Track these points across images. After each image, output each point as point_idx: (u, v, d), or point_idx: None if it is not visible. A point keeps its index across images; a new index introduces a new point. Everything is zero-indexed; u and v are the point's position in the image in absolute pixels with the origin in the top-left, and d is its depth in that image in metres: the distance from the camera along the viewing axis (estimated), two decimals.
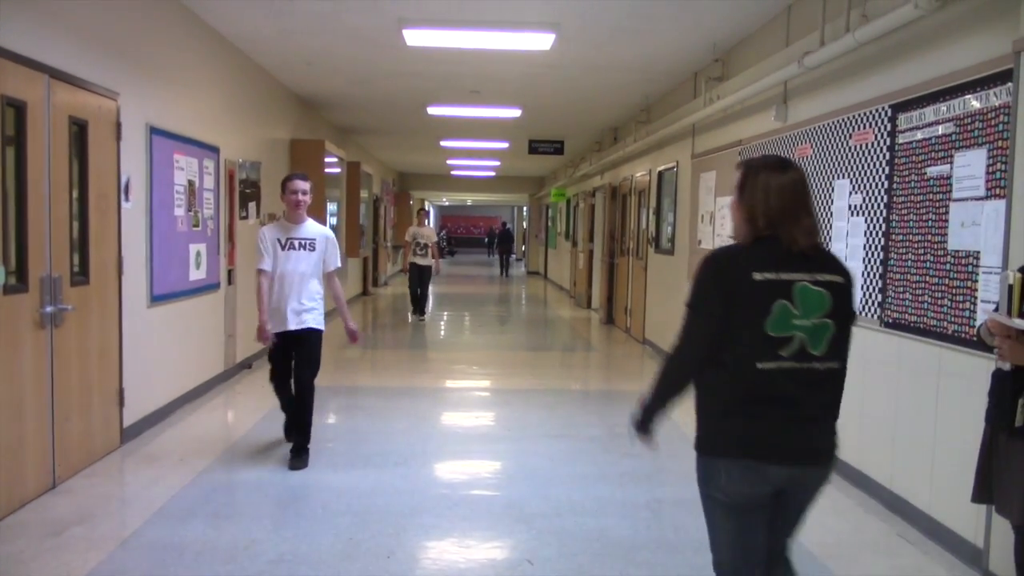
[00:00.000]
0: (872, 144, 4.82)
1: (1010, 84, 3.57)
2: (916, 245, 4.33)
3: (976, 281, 3.81)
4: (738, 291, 2.20)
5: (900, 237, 4.49)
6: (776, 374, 2.20)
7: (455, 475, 5.20)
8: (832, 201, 5.33)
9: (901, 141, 4.49)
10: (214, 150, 7.11)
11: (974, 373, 3.71)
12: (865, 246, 4.89)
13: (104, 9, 5.16)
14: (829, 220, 5.37)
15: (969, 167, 3.88)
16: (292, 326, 5.10)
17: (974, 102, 3.86)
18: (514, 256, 34.58)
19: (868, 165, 4.87)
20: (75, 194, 4.79)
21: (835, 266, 2.32)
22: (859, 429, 4.87)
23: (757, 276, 2.20)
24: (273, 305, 5.10)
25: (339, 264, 5.38)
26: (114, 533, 3.97)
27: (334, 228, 11.98)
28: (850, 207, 5.09)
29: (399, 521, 4.21)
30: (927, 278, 4.22)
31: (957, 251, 3.96)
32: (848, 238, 5.10)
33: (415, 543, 3.98)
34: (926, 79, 4.27)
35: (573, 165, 17.79)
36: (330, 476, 4.93)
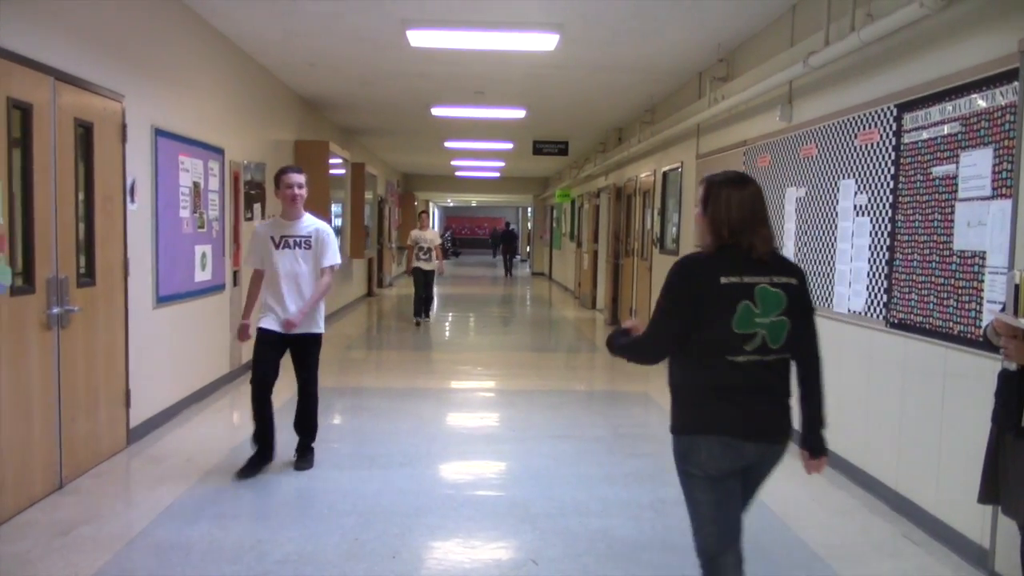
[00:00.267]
0: (877, 144, 4.81)
1: (1016, 83, 3.57)
2: (922, 245, 4.32)
3: (982, 281, 3.80)
4: (708, 293, 2.45)
5: (906, 237, 4.48)
6: (744, 365, 2.47)
7: (460, 476, 5.20)
8: (837, 201, 5.32)
9: (907, 141, 4.49)
10: (219, 151, 7.13)
11: (980, 374, 3.70)
12: (870, 246, 4.88)
13: (109, 11, 5.18)
14: (834, 220, 5.36)
15: (975, 167, 3.88)
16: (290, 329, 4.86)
17: (980, 101, 3.85)
18: (519, 257, 34.57)
19: (873, 165, 4.86)
20: (81, 196, 4.80)
21: (789, 269, 2.58)
22: (864, 430, 4.86)
23: (724, 280, 2.45)
24: (266, 304, 4.85)
25: (333, 262, 4.97)
26: (121, 533, 3.98)
27: (338, 230, 12.00)
28: (855, 207, 5.08)
29: (404, 521, 4.22)
30: (933, 278, 4.21)
31: (963, 251, 3.95)
32: (853, 238, 5.09)
33: (420, 543, 3.98)
34: (931, 79, 4.26)
35: (577, 166, 17.79)
36: (335, 476, 4.94)
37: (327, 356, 9.46)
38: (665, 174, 10.08)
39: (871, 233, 4.88)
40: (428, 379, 8.44)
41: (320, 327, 5.02)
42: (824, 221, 5.53)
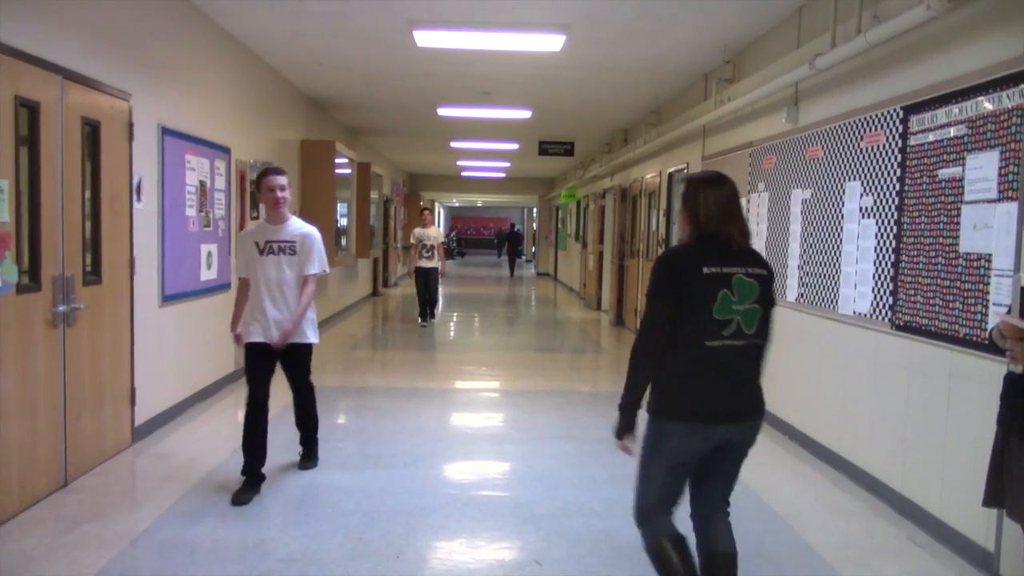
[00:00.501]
0: (883, 146, 4.80)
1: (1022, 86, 3.56)
2: (927, 248, 4.31)
3: (988, 284, 3.79)
4: (692, 282, 2.67)
5: (911, 239, 4.47)
6: (720, 349, 2.69)
7: (464, 476, 5.20)
8: (843, 203, 5.31)
9: (913, 143, 4.48)
10: (225, 151, 7.14)
11: (986, 376, 3.69)
12: (876, 248, 4.87)
13: (117, 10, 5.20)
14: (840, 222, 5.35)
15: (981, 169, 3.87)
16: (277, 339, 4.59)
17: (986, 104, 3.84)
18: (523, 257, 34.54)
19: (879, 167, 4.85)
20: (88, 194, 4.82)
21: (761, 262, 2.83)
22: (869, 432, 4.85)
23: (705, 270, 2.68)
24: (252, 314, 4.61)
25: (318, 270, 4.66)
26: (125, 531, 3.99)
27: (344, 229, 12.02)
28: (861, 209, 5.07)
29: (408, 521, 4.22)
30: (938, 281, 4.20)
31: (969, 254, 3.94)
32: (859, 240, 5.08)
33: (424, 543, 3.99)
34: (938, 81, 4.25)
35: (583, 166, 17.78)
36: (340, 476, 4.95)
37: (332, 355, 9.55)
38: (671, 175, 10.08)
39: (877, 235, 4.87)
40: (433, 379, 8.45)
41: (310, 337, 4.73)
42: (830, 223, 5.51)
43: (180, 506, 4.35)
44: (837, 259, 5.38)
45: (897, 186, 4.64)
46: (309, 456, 5.10)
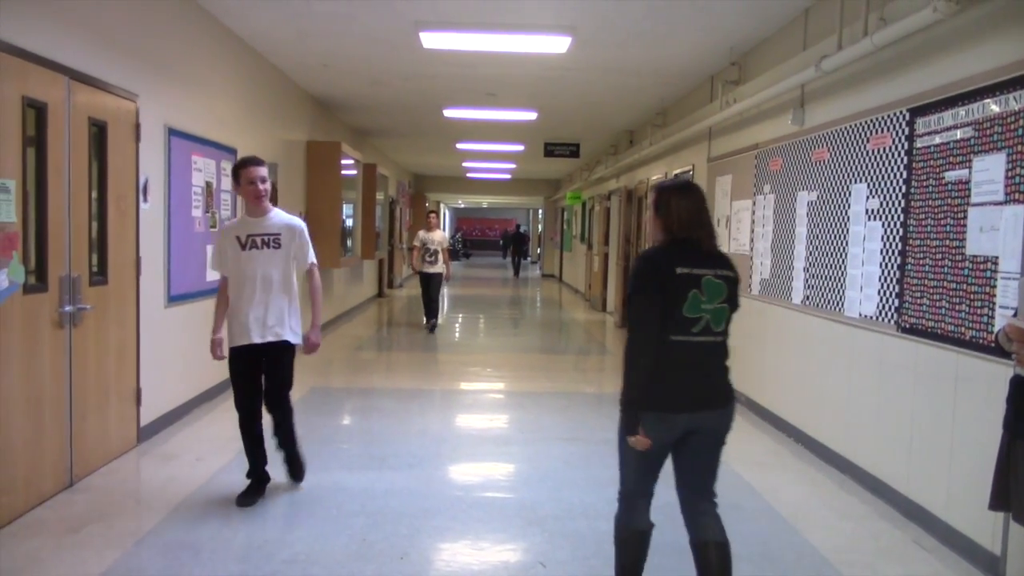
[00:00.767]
0: (890, 148, 4.79)
1: None
2: (934, 250, 4.29)
3: (994, 286, 3.77)
4: (667, 281, 2.85)
5: (918, 242, 4.46)
6: (688, 345, 2.87)
7: (468, 477, 5.20)
8: (849, 205, 5.30)
9: (919, 145, 4.47)
10: (231, 151, 7.16)
11: (992, 379, 3.68)
12: (882, 251, 4.86)
13: (124, 11, 5.21)
14: (846, 224, 5.34)
15: (988, 171, 3.85)
16: (256, 338, 4.32)
17: (993, 106, 3.83)
18: (529, 258, 34.56)
19: (886, 169, 4.84)
20: (94, 195, 4.83)
21: (729, 264, 3.00)
22: (875, 434, 4.84)
23: (679, 270, 2.86)
24: (232, 314, 4.40)
25: (312, 260, 4.54)
26: (131, 531, 4.00)
27: (350, 230, 12.03)
28: (867, 211, 5.06)
29: (412, 522, 4.22)
30: (945, 283, 4.19)
31: (975, 256, 3.93)
32: (865, 243, 5.07)
33: (428, 544, 3.99)
34: (944, 83, 4.24)
35: (588, 168, 17.78)
36: (344, 477, 4.95)
37: (337, 357, 9.56)
38: (676, 177, 10.08)
39: (883, 237, 4.85)
40: (437, 380, 8.45)
41: (292, 336, 4.44)
42: (836, 225, 5.50)
43: (185, 507, 4.36)
44: (843, 261, 5.37)
45: (903, 188, 4.63)
46: (295, 470, 4.76)
